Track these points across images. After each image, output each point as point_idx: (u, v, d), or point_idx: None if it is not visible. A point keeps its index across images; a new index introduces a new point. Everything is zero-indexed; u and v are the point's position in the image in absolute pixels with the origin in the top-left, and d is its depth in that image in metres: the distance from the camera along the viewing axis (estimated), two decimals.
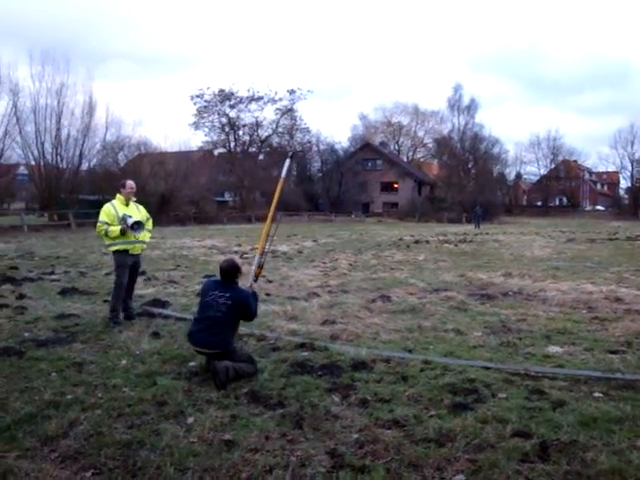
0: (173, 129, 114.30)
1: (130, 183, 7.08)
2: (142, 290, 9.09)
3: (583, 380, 4.82)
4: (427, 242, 22.32)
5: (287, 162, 6.40)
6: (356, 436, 3.65)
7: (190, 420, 3.87)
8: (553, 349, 5.90)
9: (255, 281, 5.50)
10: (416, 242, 22.24)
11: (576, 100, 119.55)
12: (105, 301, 8.02)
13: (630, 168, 72.28)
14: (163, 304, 8.10)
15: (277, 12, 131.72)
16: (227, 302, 4.90)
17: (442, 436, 3.65)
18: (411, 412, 4.03)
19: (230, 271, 5.08)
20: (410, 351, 5.77)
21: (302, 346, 5.83)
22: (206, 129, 57.92)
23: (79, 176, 37.99)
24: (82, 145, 37.08)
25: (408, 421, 3.88)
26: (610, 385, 4.69)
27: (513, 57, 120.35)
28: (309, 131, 61.23)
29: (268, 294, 9.15)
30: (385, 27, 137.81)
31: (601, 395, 4.44)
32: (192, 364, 5.12)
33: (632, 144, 70.73)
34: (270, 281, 10.73)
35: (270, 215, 5.79)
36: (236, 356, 4.84)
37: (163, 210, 35.35)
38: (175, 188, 39.47)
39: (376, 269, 13.09)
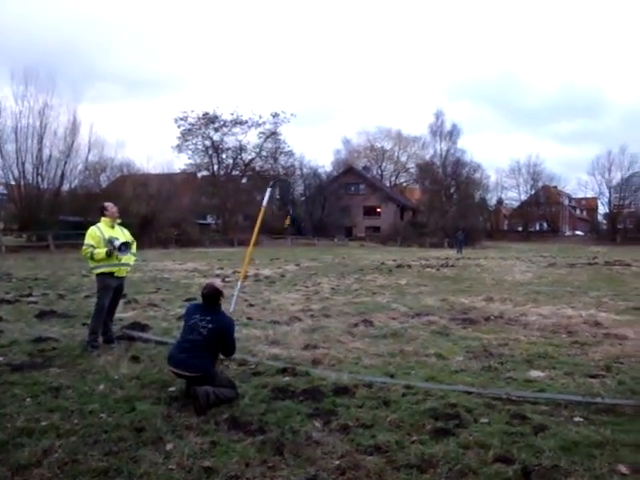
0: (156, 151, 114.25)
1: (111, 205, 7.05)
2: (122, 313, 8.96)
3: (564, 404, 4.83)
4: (409, 266, 22.37)
5: (268, 191, 6.44)
6: (337, 462, 3.60)
7: (169, 446, 3.79)
8: (534, 373, 5.92)
9: None
10: (398, 266, 22.28)
11: (553, 128, 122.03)
12: (84, 324, 7.89)
13: (608, 194, 73.78)
14: (143, 328, 7.99)
15: (260, 37, 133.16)
16: (208, 326, 4.86)
17: (424, 462, 3.62)
18: (393, 438, 4.00)
19: (211, 295, 5.05)
20: (392, 376, 5.75)
21: (283, 371, 5.78)
22: (190, 152, 57.96)
23: (60, 197, 37.74)
24: (64, 165, 37.03)
25: (390, 447, 3.85)
26: (590, 409, 4.71)
27: (491, 85, 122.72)
28: (293, 155, 61.55)
29: (250, 318, 9.07)
30: (368, 53, 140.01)
31: (582, 420, 4.45)
32: (172, 389, 5.04)
33: (609, 171, 72.32)
34: (252, 305, 10.67)
35: (252, 241, 5.80)
36: (217, 381, 4.78)
37: (145, 232, 35.08)
38: (157, 210, 39.32)
39: (358, 293, 13.08)
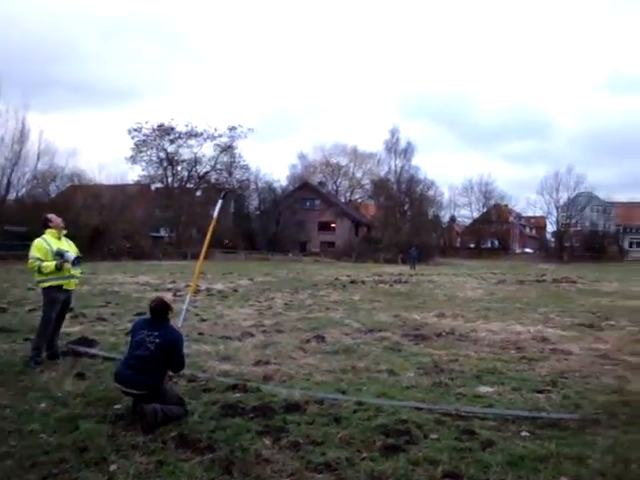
0: (110, 162, 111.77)
1: (54, 216, 6.85)
2: (69, 328, 8.67)
3: (511, 419, 4.91)
4: (363, 282, 22.47)
5: (219, 202, 6.38)
6: None
7: (113, 467, 3.67)
8: (483, 389, 6.00)
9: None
10: (352, 282, 22.36)
11: (503, 148, 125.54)
12: (27, 339, 7.59)
13: (555, 213, 76.12)
14: (90, 343, 7.74)
15: (218, 52, 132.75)
16: (155, 341, 4.74)
17: (374, 479, 3.61)
18: (343, 455, 3.98)
19: (159, 309, 4.94)
20: (343, 392, 5.74)
21: (234, 387, 5.70)
22: (144, 163, 57.18)
23: (5, 206, 36.50)
24: (10, 174, 35.86)
25: (340, 464, 3.83)
26: (536, 424, 4.79)
27: (444, 105, 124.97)
28: (248, 169, 61.36)
29: (201, 333, 8.95)
30: (326, 69, 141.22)
31: (528, 434, 4.54)
32: (118, 406, 4.89)
33: (557, 191, 74.60)
34: (204, 320, 10.53)
35: (202, 255, 5.72)
36: (165, 398, 4.66)
37: (96, 244, 34.37)
38: (109, 222, 38.55)
39: (312, 309, 13.06)
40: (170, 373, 5.19)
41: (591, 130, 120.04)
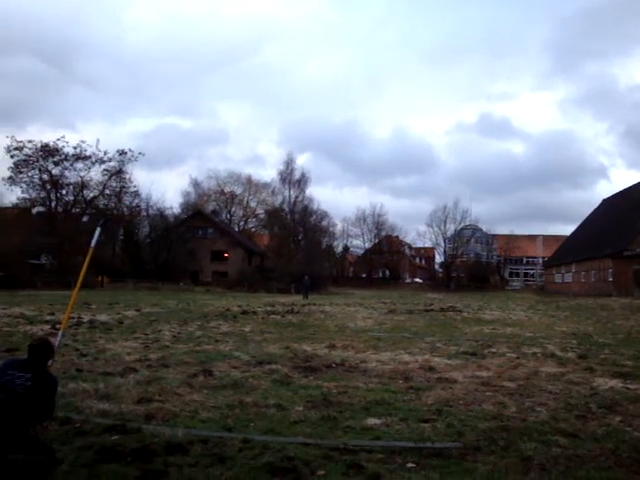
0: None
1: None
2: None
3: (398, 451, 4.94)
4: (254, 313, 22.20)
5: (97, 230, 6.07)
6: None
7: None
8: (371, 421, 6.01)
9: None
10: (243, 313, 22.04)
11: (389, 182, 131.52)
12: None
13: (443, 245, 79.87)
14: None
15: (114, 71, 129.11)
16: (26, 383, 4.29)
17: None
18: None
19: (39, 348, 4.52)
20: (229, 429, 5.54)
21: (112, 429, 5.34)
22: (24, 185, 53.59)
23: None
24: None
25: None
26: (422, 454, 4.85)
27: (332, 140, 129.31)
28: (138, 195, 59.40)
29: (79, 369, 8.40)
30: (226, 96, 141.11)
31: (414, 465, 4.58)
32: None
33: (445, 223, 78.44)
34: (83, 355, 9.91)
35: (78, 284, 5.37)
36: (29, 447, 4.23)
37: None
38: None
39: (200, 341, 12.69)
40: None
41: (467, 168, 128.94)
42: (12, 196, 55.57)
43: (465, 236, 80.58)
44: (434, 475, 4.31)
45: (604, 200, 67.65)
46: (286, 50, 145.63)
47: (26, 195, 54.33)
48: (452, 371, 9.21)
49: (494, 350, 11.84)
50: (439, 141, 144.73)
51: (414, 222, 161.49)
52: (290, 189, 69.83)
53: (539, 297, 49.71)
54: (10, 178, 52.50)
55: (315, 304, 30.26)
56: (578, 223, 73.12)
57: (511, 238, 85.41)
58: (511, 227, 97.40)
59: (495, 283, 77.47)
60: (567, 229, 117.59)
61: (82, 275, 5.45)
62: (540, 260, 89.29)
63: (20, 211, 53.20)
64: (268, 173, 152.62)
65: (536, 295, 55.48)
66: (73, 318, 15.34)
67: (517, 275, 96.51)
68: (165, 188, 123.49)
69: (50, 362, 4.74)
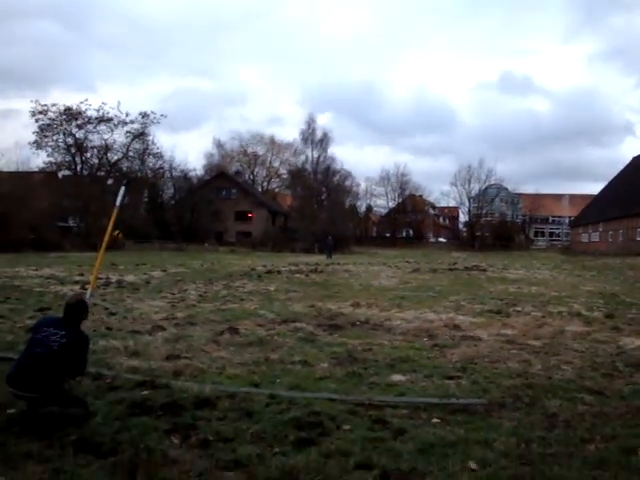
0: (9, 147, 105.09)
1: None
2: None
3: (423, 407, 4.97)
4: (279, 272, 22.36)
5: (122, 190, 6.09)
6: None
7: None
8: (396, 377, 6.06)
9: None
10: (268, 272, 22.22)
11: (409, 141, 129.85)
12: None
13: (467, 204, 79.10)
14: None
15: (126, 39, 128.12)
16: (61, 340, 4.41)
17: (285, 474, 3.54)
18: (254, 451, 3.88)
19: (74, 306, 4.64)
20: (256, 385, 5.64)
21: (142, 384, 5.46)
22: (49, 149, 54.10)
23: None
24: None
25: (251, 461, 3.73)
26: (447, 410, 4.89)
27: (352, 98, 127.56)
28: (162, 157, 59.58)
29: (109, 328, 8.58)
30: (243, 58, 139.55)
31: (438, 421, 4.62)
32: (12, 411, 4.53)
33: (469, 182, 77.50)
34: (112, 314, 10.10)
35: (103, 245, 5.42)
36: (64, 400, 4.37)
37: None
38: (9, 212, 36.20)
39: (226, 300, 12.84)
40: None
41: (488, 126, 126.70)
42: (38, 160, 56.20)
43: (490, 195, 79.57)
44: (459, 431, 4.34)
45: (634, 158, 65.80)
46: (304, 8, 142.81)
47: (52, 159, 55.05)
48: (477, 329, 9.21)
49: (519, 309, 11.79)
50: (460, 100, 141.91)
51: (435, 181, 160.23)
52: (312, 149, 69.38)
53: (565, 257, 49.21)
54: (35, 142, 53.03)
55: (339, 263, 30.35)
56: (604, 182, 71.57)
57: (537, 197, 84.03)
58: (536, 186, 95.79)
59: (520, 242, 76.59)
60: (593, 188, 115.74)
61: (108, 234, 5.48)
62: (566, 219, 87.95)
63: (47, 175, 53.71)
64: (288, 133, 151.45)
65: (562, 255, 54.91)
66: (101, 278, 15.58)
67: (542, 235, 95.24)
68: (186, 150, 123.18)
69: (84, 321, 4.85)
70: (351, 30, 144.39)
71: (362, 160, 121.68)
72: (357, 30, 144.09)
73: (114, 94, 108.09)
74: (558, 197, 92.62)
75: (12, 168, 44.56)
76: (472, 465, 3.71)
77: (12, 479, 3.40)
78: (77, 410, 4.38)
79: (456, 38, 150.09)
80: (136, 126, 56.06)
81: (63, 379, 4.57)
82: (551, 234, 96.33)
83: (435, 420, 4.63)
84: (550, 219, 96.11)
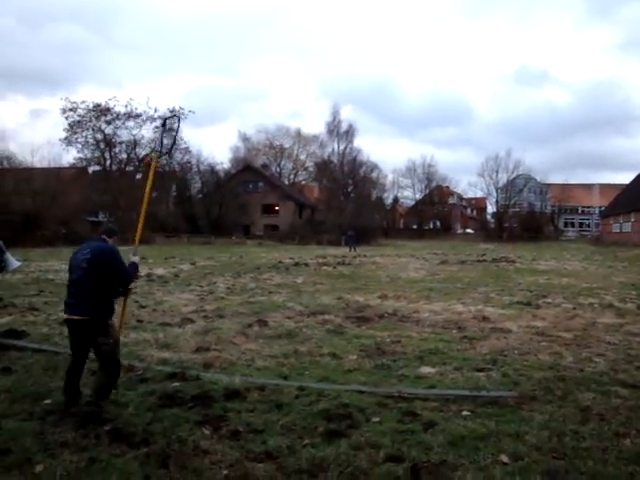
0: (43, 144, 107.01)
1: None
2: None
3: (453, 399, 4.96)
4: (306, 265, 22.40)
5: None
6: (226, 472, 3.47)
7: (39, 468, 3.46)
8: (425, 370, 6.04)
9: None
10: (295, 265, 22.28)
11: (429, 134, 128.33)
12: None
13: (495, 195, 78.07)
14: (19, 335, 7.37)
15: (154, 34, 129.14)
16: (87, 257, 4.49)
17: (315, 466, 3.56)
18: (284, 442, 3.91)
19: (100, 225, 4.73)
20: (285, 377, 5.67)
21: (173, 376, 5.55)
22: (79, 145, 54.91)
23: None
24: None
25: (281, 452, 3.76)
26: (477, 403, 4.86)
27: (369, 92, 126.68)
28: (189, 151, 59.94)
29: (140, 320, 8.70)
30: (265, 54, 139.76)
31: (469, 413, 4.59)
32: (47, 401, 4.65)
33: (497, 173, 76.41)
34: (143, 307, 10.24)
35: (140, 225, 5.40)
36: (105, 336, 4.47)
37: (28, 230, 32.98)
38: (43, 207, 36.93)
39: (254, 293, 12.92)
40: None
41: (508, 118, 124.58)
42: (69, 156, 57.09)
43: (518, 186, 78.32)
44: (490, 423, 4.31)
45: None
46: (322, 3, 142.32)
47: (81, 155, 55.68)
48: (506, 321, 9.10)
49: (549, 300, 11.63)
50: (477, 92, 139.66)
51: (457, 173, 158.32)
52: (338, 141, 69.06)
53: (595, 247, 48.29)
54: (66, 139, 53.86)
55: (366, 256, 30.24)
56: (632, 170, 69.85)
57: (566, 187, 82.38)
58: (564, 177, 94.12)
59: (549, 233, 75.28)
60: (620, 177, 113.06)
61: (144, 209, 5.34)
62: (596, 210, 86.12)
63: (77, 171, 54.53)
64: (310, 128, 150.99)
65: (592, 245, 53.89)
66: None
67: (572, 225, 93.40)
68: (211, 145, 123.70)
69: (111, 240, 4.83)
70: (369, 24, 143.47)
71: (383, 153, 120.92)
72: (374, 24, 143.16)
73: (139, 91, 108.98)
74: (588, 187, 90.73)
75: (44, 164, 45.38)
76: (504, 458, 3.68)
77: (49, 467, 3.48)
78: (114, 371, 4.59)
79: (472, 31, 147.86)
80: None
81: (109, 302, 4.64)
82: (581, 224, 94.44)
83: (465, 412, 4.60)
84: (580, 209, 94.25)
